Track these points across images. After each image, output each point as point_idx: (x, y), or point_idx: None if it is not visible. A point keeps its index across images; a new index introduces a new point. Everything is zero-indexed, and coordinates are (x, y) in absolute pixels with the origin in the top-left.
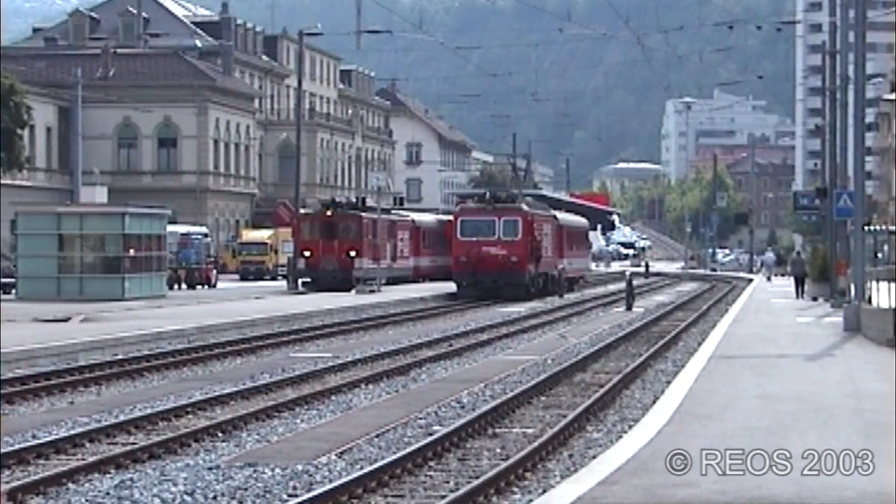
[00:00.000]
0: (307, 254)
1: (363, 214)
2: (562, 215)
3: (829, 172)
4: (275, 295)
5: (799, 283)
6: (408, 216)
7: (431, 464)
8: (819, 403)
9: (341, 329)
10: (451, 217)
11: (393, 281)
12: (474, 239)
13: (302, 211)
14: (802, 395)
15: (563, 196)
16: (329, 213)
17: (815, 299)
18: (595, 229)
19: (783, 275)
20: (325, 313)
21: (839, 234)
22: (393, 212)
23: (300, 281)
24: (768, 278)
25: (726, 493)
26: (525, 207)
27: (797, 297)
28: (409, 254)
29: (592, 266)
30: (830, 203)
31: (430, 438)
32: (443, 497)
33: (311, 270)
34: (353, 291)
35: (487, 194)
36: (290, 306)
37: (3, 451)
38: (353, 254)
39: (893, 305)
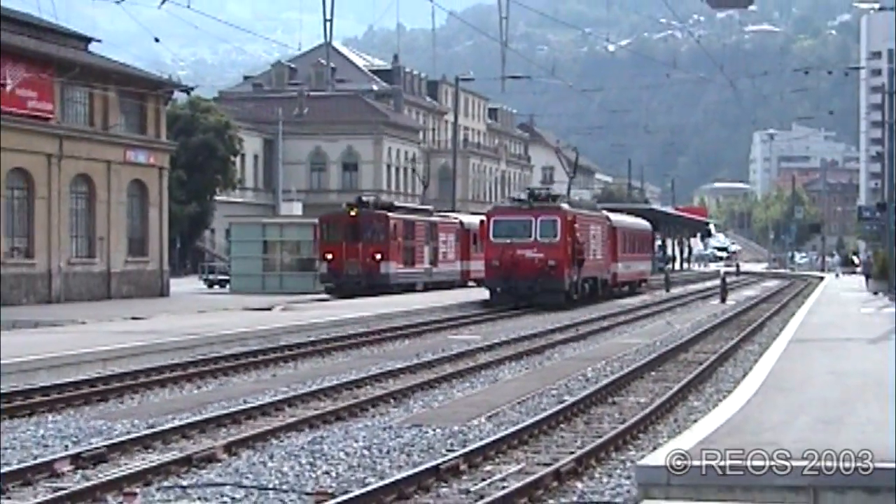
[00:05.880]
0: (329, 257)
1: (391, 215)
2: (616, 216)
3: (887, 190)
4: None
5: (869, 279)
6: (454, 217)
7: (562, 426)
8: (880, 378)
9: (489, 317)
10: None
11: (434, 287)
12: (508, 241)
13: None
14: (867, 372)
15: (669, 209)
16: (353, 213)
17: (876, 293)
18: (695, 236)
19: (847, 273)
20: (476, 304)
21: None
22: (443, 213)
23: (324, 287)
24: (836, 276)
25: (801, 440)
26: (565, 206)
27: (867, 289)
28: (456, 257)
29: (695, 266)
30: (889, 215)
31: (561, 405)
32: (572, 453)
33: (333, 275)
34: None
35: (528, 192)
36: (448, 298)
37: (218, 413)
38: (378, 257)
39: None
